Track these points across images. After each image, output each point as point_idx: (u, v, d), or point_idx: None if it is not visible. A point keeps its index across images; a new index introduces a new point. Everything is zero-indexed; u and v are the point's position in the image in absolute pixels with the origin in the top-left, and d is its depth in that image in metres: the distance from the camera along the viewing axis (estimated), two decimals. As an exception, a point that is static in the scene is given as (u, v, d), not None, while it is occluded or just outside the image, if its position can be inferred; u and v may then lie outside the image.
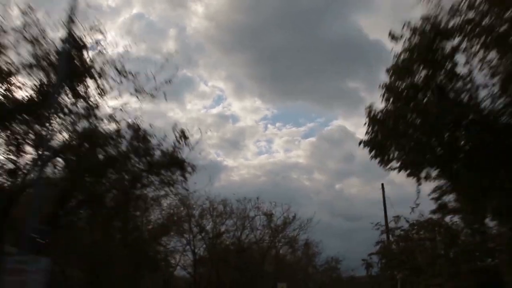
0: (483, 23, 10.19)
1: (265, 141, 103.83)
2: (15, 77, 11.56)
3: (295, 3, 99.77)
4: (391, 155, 12.47)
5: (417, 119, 11.64)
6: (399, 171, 12.74)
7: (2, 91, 11.51)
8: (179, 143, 13.46)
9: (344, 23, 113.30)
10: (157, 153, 13.39)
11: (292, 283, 39.33)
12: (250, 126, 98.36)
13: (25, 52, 11.44)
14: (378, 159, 12.64)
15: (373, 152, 12.55)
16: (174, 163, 13.09)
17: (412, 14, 13.38)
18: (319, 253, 48.18)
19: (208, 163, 65.34)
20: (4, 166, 12.28)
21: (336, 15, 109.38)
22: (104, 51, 12.05)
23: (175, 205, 31.80)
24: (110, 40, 12.24)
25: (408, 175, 12.79)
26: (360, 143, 12.59)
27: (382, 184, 31.20)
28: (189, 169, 13.35)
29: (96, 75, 12.10)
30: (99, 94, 12.34)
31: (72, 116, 12.24)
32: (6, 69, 11.32)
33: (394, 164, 12.71)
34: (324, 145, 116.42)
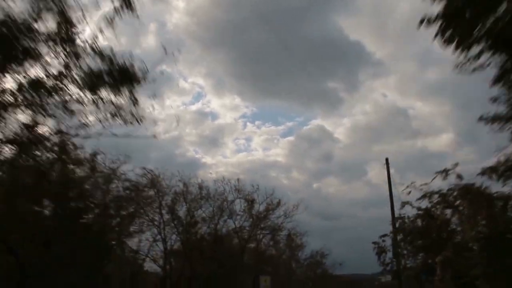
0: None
1: (244, 139, 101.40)
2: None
3: (277, 2, 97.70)
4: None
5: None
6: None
7: None
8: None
9: (325, 23, 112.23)
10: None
11: (274, 277, 35.53)
12: (229, 123, 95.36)
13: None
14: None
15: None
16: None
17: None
18: (304, 246, 44.62)
19: (187, 160, 61.82)
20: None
21: (318, 14, 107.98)
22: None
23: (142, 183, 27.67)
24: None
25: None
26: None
27: (387, 159, 27.78)
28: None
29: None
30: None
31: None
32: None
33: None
34: (303, 144, 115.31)
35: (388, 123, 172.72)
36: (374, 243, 25.33)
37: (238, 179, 35.31)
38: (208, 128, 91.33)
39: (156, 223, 31.54)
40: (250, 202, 35.55)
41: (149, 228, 31.16)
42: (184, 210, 32.96)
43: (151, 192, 29.89)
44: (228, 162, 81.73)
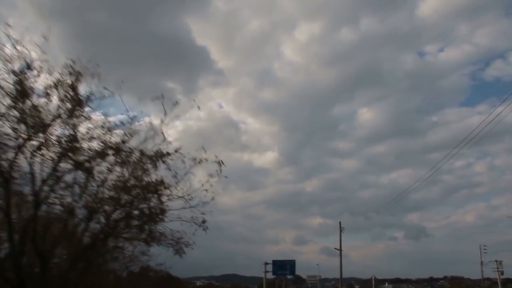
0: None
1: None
2: None
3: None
4: None
5: None
6: None
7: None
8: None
9: (175, 22, 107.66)
10: None
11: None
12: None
13: None
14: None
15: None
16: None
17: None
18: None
19: None
20: None
21: (168, 11, 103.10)
22: None
23: None
24: None
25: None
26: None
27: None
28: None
29: None
30: None
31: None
32: None
33: None
34: (132, 141, 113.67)
35: (220, 133, 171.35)
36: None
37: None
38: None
39: None
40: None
41: None
42: None
43: None
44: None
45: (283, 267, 50.90)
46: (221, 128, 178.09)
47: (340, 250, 41.46)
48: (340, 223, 42.43)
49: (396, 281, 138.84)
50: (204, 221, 12.74)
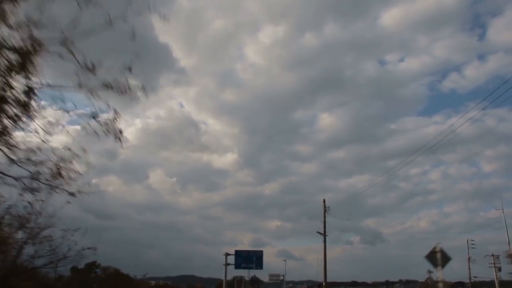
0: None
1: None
2: None
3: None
4: None
5: None
6: None
7: None
8: None
9: (139, 16, 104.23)
10: None
11: None
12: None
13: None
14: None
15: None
16: None
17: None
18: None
19: None
20: None
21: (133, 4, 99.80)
22: None
23: None
24: None
25: None
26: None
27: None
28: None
29: None
30: None
31: None
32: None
33: None
34: (88, 136, 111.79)
35: (180, 132, 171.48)
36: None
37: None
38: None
39: None
40: None
41: None
42: None
43: None
44: None
45: (248, 259, 41.19)
46: (181, 128, 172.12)
47: (325, 235, 32.51)
48: (324, 200, 33.54)
49: (353, 284, 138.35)
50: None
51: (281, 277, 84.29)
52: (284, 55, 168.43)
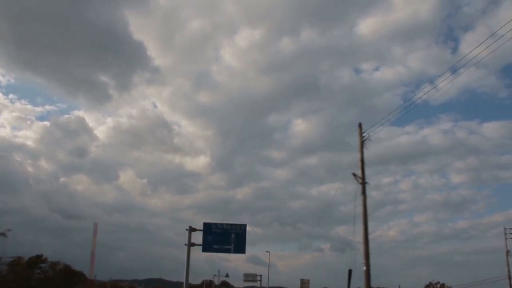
0: None
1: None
2: None
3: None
4: None
5: None
6: None
7: None
8: None
9: (112, 13, 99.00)
10: None
11: None
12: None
13: None
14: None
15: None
16: None
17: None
18: None
19: None
20: None
21: (108, 0, 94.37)
22: None
23: None
24: None
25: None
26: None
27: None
28: None
29: None
30: None
31: None
32: None
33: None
34: (58, 133, 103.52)
35: (152, 133, 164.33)
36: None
37: None
38: None
39: None
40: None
41: None
42: None
43: None
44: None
45: (224, 236, 26.57)
46: (153, 128, 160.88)
47: (363, 178, 18.70)
48: (360, 124, 19.74)
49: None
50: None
51: (258, 278, 70.43)
52: (260, 59, 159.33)
